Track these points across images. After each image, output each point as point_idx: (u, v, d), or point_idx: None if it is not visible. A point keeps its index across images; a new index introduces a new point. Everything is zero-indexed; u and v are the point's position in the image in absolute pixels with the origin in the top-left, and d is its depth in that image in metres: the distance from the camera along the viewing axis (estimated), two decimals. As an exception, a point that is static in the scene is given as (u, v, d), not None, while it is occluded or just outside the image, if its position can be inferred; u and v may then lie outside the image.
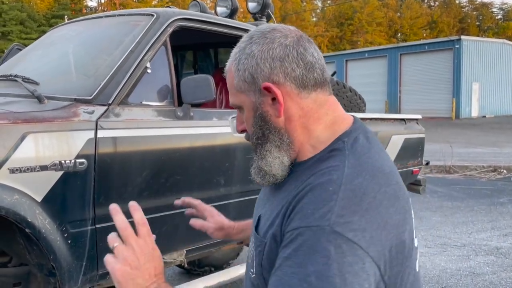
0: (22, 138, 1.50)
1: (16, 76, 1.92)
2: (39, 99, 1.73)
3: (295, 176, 0.85)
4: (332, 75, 3.98)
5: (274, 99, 0.84)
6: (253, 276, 0.87)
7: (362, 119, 3.21)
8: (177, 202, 1.29)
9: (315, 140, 0.85)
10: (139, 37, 1.96)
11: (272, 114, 0.85)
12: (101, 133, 1.71)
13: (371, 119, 3.34)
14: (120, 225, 0.82)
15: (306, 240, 0.71)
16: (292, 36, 0.86)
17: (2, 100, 1.80)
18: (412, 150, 3.69)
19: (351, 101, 3.71)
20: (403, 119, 3.71)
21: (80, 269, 1.72)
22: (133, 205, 0.84)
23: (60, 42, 2.42)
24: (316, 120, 0.85)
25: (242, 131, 0.94)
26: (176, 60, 3.30)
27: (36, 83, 1.87)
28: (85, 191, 1.67)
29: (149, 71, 1.95)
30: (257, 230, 0.88)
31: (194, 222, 1.23)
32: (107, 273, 1.84)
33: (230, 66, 0.90)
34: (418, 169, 3.77)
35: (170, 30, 2.07)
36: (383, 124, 3.42)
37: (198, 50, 3.39)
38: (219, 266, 4.39)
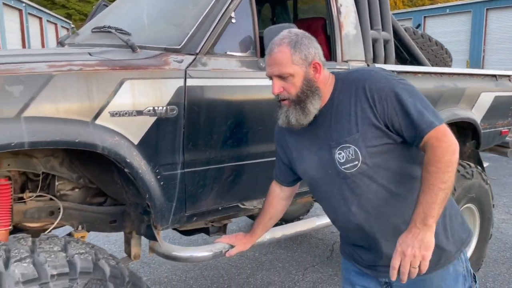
0: (121, 84, 1.60)
1: (109, 27, 2.02)
2: (133, 48, 1.81)
3: (334, 105, 1.44)
4: (416, 27, 3.74)
5: (315, 69, 1.41)
6: (367, 166, 1.38)
7: (449, 74, 3.02)
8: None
9: (328, 86, 1.47)
10: (224, -15, 1.96)
11: (313, 79, 1.41)
12: (189, 82, 1.78)
13: (458, 74, 3.12)
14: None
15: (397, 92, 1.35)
16: (313, 38, 1.46)
17: (99, 49, 1.91)
18: (502, 109, 3.43)
19: (436, 55, 3.49)
20: (494, 75, 3.43)
21: (170, 209, 1.84)
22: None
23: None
24: (327, 77, 1.47)
25: (279, 93, 1.42)
26: (260, 12, 3.28)
27: (128, 34, 1.95)
28: (175, 136, 1.76)
29: (233, 21, 1.95)
30: (343, 141, 1.39)
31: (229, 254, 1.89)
32: (193, 215, 1.96)
33: (283, 48, 1.38)
34: (507, 129, 3.51)
35: (252, -22, 2.04)
36: (471, 80, 3.19)
37: (276, 3, 3.33)
38: (289, 220, 4.48)
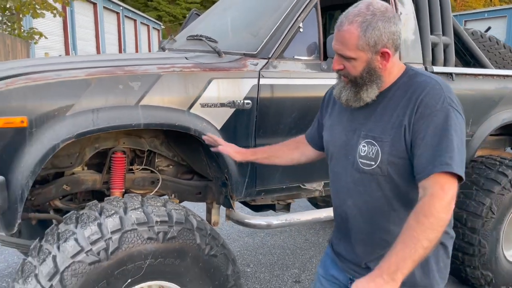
0: (209, 82, 2.06)
1: (201, 36, 2.51)
2: (219, 53, 2.27)
3: (386, 97, 1.35)
4: (486, 31, 3.82)
5: (382, 57, 1.30)
6: (381, 171, 1.32)
7: None
8: (205, 137, 1.91)
9: (393, 76, 1.36)
10: (294, 1, 2.35)
11: (378, 66, 1.32)
12: (262, 81, 2.19)
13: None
14: None
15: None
16: (395, 16, 1.30)
17: (193, 54, 2.40)
18: None
19: (504, 58, 3.56)
20: None
21: (243, 183, 2.27)
22: None
23: (231, 7, 2.95)
24: (395, 66, 1.36)
25: (338, 70, 1.36)
26: (325, 20, 3.62)
27: (216, 41, 2.42)
28: (249, 124, 2.19)
29: (301, 30, 2.34)
30: (372, 137, 1.34)
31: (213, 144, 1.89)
32: (262, 191, 2.38)
33: (352, 28, 1.27)
34: None
35: (322, -8, 2.41)
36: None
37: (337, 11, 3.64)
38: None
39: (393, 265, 1.10)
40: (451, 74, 2.84)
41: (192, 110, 2.02)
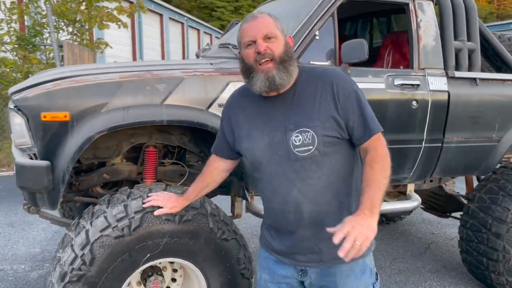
0: (227, 84, 2.30)
1: (229, 44, 2.76)
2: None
3: (296, 92, 1.54)
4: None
5: (290, 43, 1.55)
6: (319, 153, 1.49)
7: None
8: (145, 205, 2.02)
9: (295, 74, 1.56)
10: (312, 11, 2.53)
11: (290, 48, 1.53)
12: (277, 84, 2.39)
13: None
14: (345, 233, 1.33)
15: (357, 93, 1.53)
16: None
17: (219, 61, 2.66)
18: None
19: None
20: None
21: (259, 178, 2.48)
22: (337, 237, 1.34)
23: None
24: (296, 66, 1.58)
25: (264, 50, 1.48)
26: (349, 30, 3.75)
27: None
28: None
29: (317, 37, 2.51)
30: (303, 126, 1.49)
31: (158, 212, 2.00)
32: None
33: (266, 16, 1.51)
34: None
35: (338, 3, 2.57)
36: None
37: (357, 21, 3.75)
38: (390, 219, 4.78)
39: (368, 203, 1.39)
40: (474, 79, 2.87)
41: (210, 110, 2.27)
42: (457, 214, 3.52)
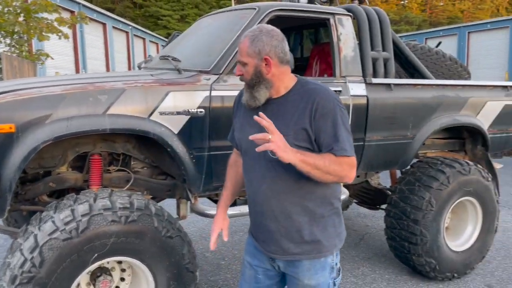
0: (166, 94, 2.50)
1: (168, 56, 2.96)
2: (179, 71, 2.72)
3: (286, 101, 1.67)
4: (437, 46, 4.22)
5: (267, 64, 1.63)
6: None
7: (451, 85, 3.51)
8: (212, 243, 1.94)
9: (285, 84, 1.69)
10: (243, 27, 2.80)
11: (263, 71, 1.64)
12: (213, 93, 2.63)
13: (463, 86, 3.59)
14: (266, 125, 1.47)
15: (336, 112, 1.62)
16: (279, 36, 1.66)
17: (160, 72, 2.86)
18: None
19: (450, 69, 3.95)
20: (505, 86, 3.82)
21: (200, 180, 2.69)
22: (258, 118, 1.47)
23: (200, 31, 3.42)
24: (286, 76, 1.70)
25: (239, 75, 1.69)
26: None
27: (179, 61, 2.87)
28: (203, 129, 2.61)
29: (248, 50, 2.77)
30: (281, 129, 1.55)
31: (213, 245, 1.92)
32: (219, 186, 2.79)
33: (245, 40, 1.62)
34: (520, 134, 3.84)
35: (267, 19, 2.85)
36: (475, 90, 3.63)
37: (294, 32, 4.08)
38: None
39: (300, 152, 1.52)
40: (389, 84, 3.25)
41: (151, 118, 2.46)
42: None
